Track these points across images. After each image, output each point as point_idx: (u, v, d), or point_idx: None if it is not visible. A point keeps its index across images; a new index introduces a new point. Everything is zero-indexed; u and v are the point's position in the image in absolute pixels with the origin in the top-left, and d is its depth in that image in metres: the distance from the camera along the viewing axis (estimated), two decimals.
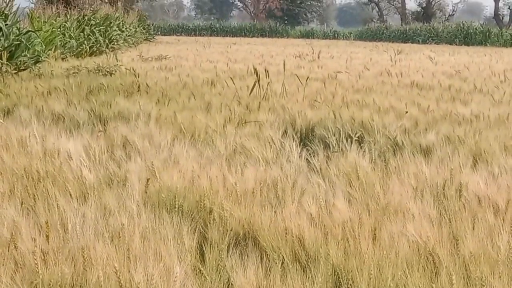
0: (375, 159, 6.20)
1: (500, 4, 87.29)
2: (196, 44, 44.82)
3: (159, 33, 71.16)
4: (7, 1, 16.79)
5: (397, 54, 29.12)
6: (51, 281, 3.29)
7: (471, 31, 69.72)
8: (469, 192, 5.10)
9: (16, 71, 15.28)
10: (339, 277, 3.54)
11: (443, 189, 5.24)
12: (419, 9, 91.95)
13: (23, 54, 16.86)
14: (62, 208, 4.35)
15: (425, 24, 78.73)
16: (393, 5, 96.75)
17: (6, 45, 15.36)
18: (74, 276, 3.32)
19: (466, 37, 68.18)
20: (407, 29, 77.82)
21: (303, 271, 3.61)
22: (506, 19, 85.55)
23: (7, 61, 15.03)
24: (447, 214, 4.60)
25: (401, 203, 4.74)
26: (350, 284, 3.43)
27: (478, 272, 3.56)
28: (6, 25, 15.62)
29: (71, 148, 6.11)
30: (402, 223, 4.15)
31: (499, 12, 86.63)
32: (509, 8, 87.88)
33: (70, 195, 4.87)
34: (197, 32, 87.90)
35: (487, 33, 68.27)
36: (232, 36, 78.78)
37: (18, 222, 4.00)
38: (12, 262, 3.56)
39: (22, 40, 16.95)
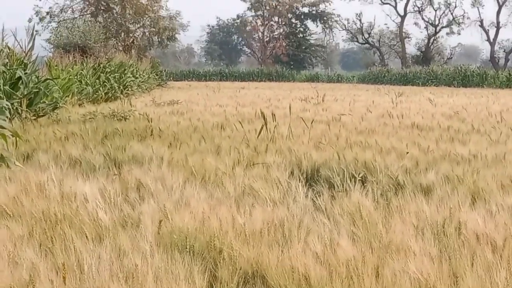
0: (377, 199, 6.19)
1: (496, 47, 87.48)
2: (207, 89, 44.91)
3: (171, 78, 71.35)
4: (26, 51, 16.87)
5: (398, 97, 29.18)
6: None
7: (469, 73, 69.83)
8: (468, 230, 5.08)
9: (35, 117, 15.33)
10: None
11: (443, 227, 5.23)
12: (418, 53, 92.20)
13: (41, 101, 16.91)
14: (79, 250, 4.34)
15: (425, 67, 78.87)
16: (394, 49, 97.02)
17: (25, 93, 15.42)
18: None
19: (464, 79, 68.27)
20: (407, 72, 77.94)
21: None
22: (502, 61, 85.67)
23: (26, 108, 15.08)
24: (447, 251, 4.59)
25: (402, 241, 4.73)
26: None
27: None
28: (25, 73, 15.68)
29: (87, 191, 6.11)
30: (404, 261, 4.13)
31: (495, 55, 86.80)
32: (504, 51, 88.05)
33: (86, 236, 4.86)
34: (207, 78, 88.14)
35: (484, 75, 68.36)
36: (240, 81, 78.96)
37: (36, 264, 3.99)
38: None
39: (41, 87, 17.01)
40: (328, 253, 4.35)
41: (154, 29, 73.81)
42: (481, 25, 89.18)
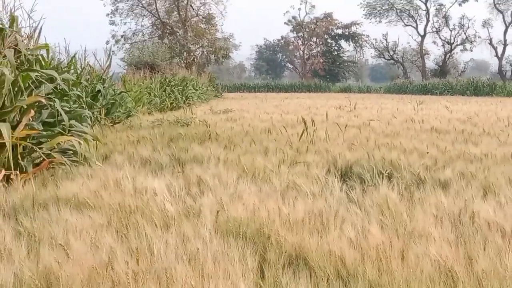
0: (402, 192, 6.15)
1: (503, 62, 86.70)
2: (256, 99, 44.96)
3: (225, 90, 71.49)
4: (104, 69, 17.01)
5: (419, 105, 28.95)
6: None
7: (480, 84, 69.26)
8: (481, 218, 5.04)
9: (112, 124, 15.45)
10: None
11: (459, 216, 5.19)
12: (436, 67, 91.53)
13: (117, 110, 17.04)
14: (149, 236, 4.36)
15: (442, 79, 78.34)
16: (415, 64, 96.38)
17: (104, 104, 15.54)
18: None
19: (475, 89, 67.70)
20: (427, 83, 77.41)
21: (345, 286, 3.58)
22: (509, 74, 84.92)
23: (104, 116, 15.19)
24: (463, 237, 4.54)
25: (424, 229, 4.70)
26: None
27: (490, 286, 3.51)
28: (104, 87, 15.80)
29: (156, 186, 6.13)
30: (425, 245, 4.10)
31: (502, 68, 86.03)
32: (510, 65, 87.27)
33: (156, 225, 4.88)
34: (256, 89, 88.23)
35: (493, 85, 67.79)
36: (284, 92, 78.88)
37: (114, 248, 4.01)
38: (109, 281, 3.58)
39: (117, 99, 17.14)
40: (360, 238, 4.33)
41: (211, 49, 73.93)
42: (490, 43, 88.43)
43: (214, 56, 74.84)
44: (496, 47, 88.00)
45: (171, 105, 28.61)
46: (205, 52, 74.00)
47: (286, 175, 7.38)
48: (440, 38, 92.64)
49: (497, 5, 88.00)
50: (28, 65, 8.32)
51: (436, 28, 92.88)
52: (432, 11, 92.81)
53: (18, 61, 8.06)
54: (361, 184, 6.84)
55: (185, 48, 70.53)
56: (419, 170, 7.87)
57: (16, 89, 7.74)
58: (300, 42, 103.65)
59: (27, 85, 7.91)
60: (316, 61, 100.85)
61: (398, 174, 7.62)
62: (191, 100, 34.90)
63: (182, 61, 65.09)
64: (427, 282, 3.45)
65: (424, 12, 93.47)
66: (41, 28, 8.77)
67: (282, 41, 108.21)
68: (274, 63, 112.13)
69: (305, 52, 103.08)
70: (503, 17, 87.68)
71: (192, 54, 71.23)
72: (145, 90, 24.74)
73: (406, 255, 3.95)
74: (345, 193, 6.31)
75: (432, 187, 6.47)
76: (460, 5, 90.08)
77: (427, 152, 9.72)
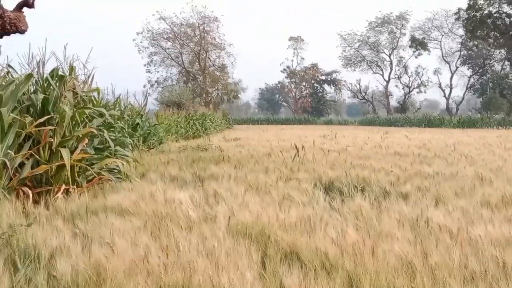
0: (372, 202, 6.15)
1: (450, 101, 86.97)
2: (259, 130, 45.01)
3: (235, 123, 71.42)
4: (142, 106, 17.07)
5: (384, 134, 28.99)
6: (170, 283, 3.29)
7: (432, 118, 69.30)
8: (433, 222, 5.03)
9: (147, 149, 15.48)
10: (351, 279, 3.49)
11: (417, 221, 5.18)
12: (398, 105, 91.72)
13: (152, 139, 17.07)
14: (176, 236, 4.35)
15: (402, 114, 78.53)
16: (382, 102, 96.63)
17: (141, 133, 15.58)
18: (184, 280, 3.31)
19: (428, 122, 67.67)
20: (391, 118, 77.53)
21: (328, 275, 3.57)
22: (454, 110, 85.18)
23: (142, 143, 15.24)
24: (420, 237, 4.53)
25: (389, 230, 4.69)
26: (358, 284, 3.38)
27: (441, 275, 3.50)
28: (141, 121, 15.86)
29: (182, 197, 6.13)
30: (390, 243, 4.10)
31: (449, 106, 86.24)
32: (455, 103, 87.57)
33: (181, 227, 4.88)
34: (259, 122, 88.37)
35: (442, 119, 67.79)
36: (281, 124, 78.87)
37: (149, 245, 4.01)
38: (145, 271, 3.57)
39: (151, 130, 17.18)
40: (340, 238, 4.33)
41: (224, 91, 74.23)
42: (440, 87, 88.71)
43: (227, 97, 75.17)
44: (444, 89, 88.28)
45: (193, 135, 28.69)
46: (220, 94, 74.28)
47: (282, 188, 7.38)
48: (400, 82, 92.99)
49: (444, 57, 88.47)
50: (83, 104, 8.35)
51: (398, 75, 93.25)
52: (394, 62, 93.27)
53: (76, 100, 8.09)
54: (340, 195, 6.86)
55: (204, 91, 70.83)
56: (385, 185, 7.87)
57: (74, 122, 7.76)
58: (293, 86, 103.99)
59: (82, 119, 7.93)
60: (305, 100, 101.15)
61: (369, 188, 7.61)
62: (208, 130, 35.00)
63: (202, 101, 65.29)
64: (392, 272, 3.44)
65: (388, 63, 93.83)
66: (93, 75, 8.81)
67: (279, 85, 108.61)
68: (272, 102, 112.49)
69: (297, 93, 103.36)
70: (449, 67, 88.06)
71: (209, 95, 71.51)
72: (173, 123, 24.80)
73: (375, 251, 3.95)
74: (328, 202, 6.32)
75: (395, 198, 6.49)
76: (416, 57, 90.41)
77: (391, 171, 9.72)
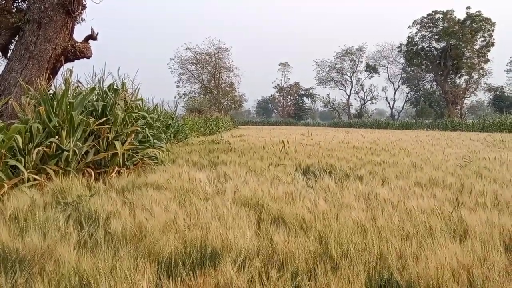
0: (337, 181, 6.15)
1: (393, 110, 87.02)
2: (256, 129, 44.95)
3: (239, 124, 71.13)
4: (173, 111, 17.04)
5: (346, 133, 28.97)
6: (191, 239, 3.30)
7: (380, 122, 69.28)
8: (380, 197, 5.04)
9: (176, 142, 15.46)
10: (321, 236, 3.50)
11: (368, 195, 5.18)
12: (356, 112, 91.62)
13: (180, 135, 17.05)
14: (196, 205, 4.36)
15: (359, 119, 78.46)
16: (345, 110, 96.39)
17: (172, 131, 15.56)
18: (202, 236, 3.32)
19: (378, 125, 67.57)
20: (351, 121, 77.33)
21: (305, 233, 3.57)
22: (396, 117, 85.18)
23: (173, 138, 15.23)
24: (370, 207, 4.54)
25: (349, 202, 4.70)
26: (326, 240, 3.39)
27: (385, 235, 3.51)
28: (173, 122, 15.84)
29: (201, 177, 6.14)
30: (349, 211, 4.10)
31: (393, 114, 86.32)
32: (397, 111, 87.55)
33: (200, 198, 4.88)
34: (257, 124, 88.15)
35: (388, 123, 67.71)
36: (272, 126, 78.63)
37: (177, 211, 4.02)
38: (174, 230, 3.58)
39: (179, 128, 17.15)
40: (313, 207, 4.34)
41: (232, 101, 74.01)
42: (386, 99, 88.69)
43: (234, 105, 74.91)
44: (389, 101, 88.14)
45: (209, 132, 28.63)
46: (229, 103, 74.01)
47: (273, 171, 7.37)
48: (358, 96, 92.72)
49: (390, 79, 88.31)
50: (131, 109, 8.34)
51: (356, 91, 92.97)
52: (354, 81, 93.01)
53: (126, 107, 8.09)
54: (314, 177, 6.85)
55: (218, 101, 70.58)
56: (346, 169, 7.86)
57: (124, 122, 7.75)
58: (281, 98, 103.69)
59: (130, 120, 7.92)
60: (290, 108, 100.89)
61: (335, 172, 7.61)
62: (220, 129, 34.91)
63: (216, 108, 65.05)
64: (351, 231, 3.45)
65: (350, 82, 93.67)
66: (138, 89, 8.81)
67: (271, 97, 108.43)
68: (266, 109, 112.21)
69: (284, 103, 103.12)
70: (393, 85, 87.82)
71: (221, 104, 71.29)
72: (195, 123, 24.75)
73: (339, 217, 3.96)
74: (305, 182, 6.31)
75: (353, 179, 6.48)
76: (369, 78, 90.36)
77: (351, 159, 9.71)
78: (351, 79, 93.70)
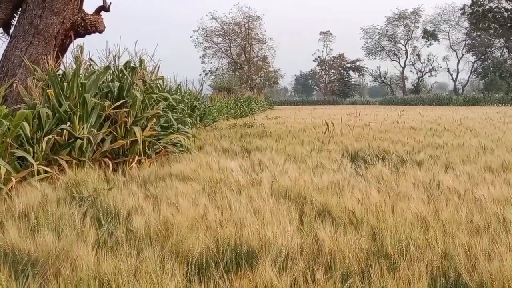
0: (391, 168, 6.10)
1: (457, 83, 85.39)
2: (294, 110, 44.84)
3: (275, 104, 70.98)
4: (199, 91, 17.13)
5: (401, 112, 28.60)
6: (224, 236, 3.32)
7: (441, 98, 68.11)
8: (444, 185, 4.97)
9: (203, 127, 15.57)
10: (374, 232, 3.47)
11: (429, 184, 5.12)
12: (412, 87, 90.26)
13: (207, 118, 17.17)
14: (229, 197, 4.38)
15: (416, 95, 77.30)
16: (398, 85, 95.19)
17: (198, 114, 15.67)
18: (236, 233, 3.34)
19: (438, 101, 66.45)
20: (406, 98, 76.29)
21: (355, 229, 3.55)
22: (460, 91, 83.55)
23: (199, 122, 15.33)
24: (432, 197, 4.48)
25: (406, 192, 4.65)
26: (380, 236, 3.36)
27: (450, 229, 3.46)
28: (198, 103, 15.94)
29: (232, 166, 6.17)
30: (407, 203, 4.06)
31: (456, 88, 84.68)
32: (461, 85, 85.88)
33: (233, 190, 4.90)
34: (295, 103, 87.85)
35: (450, 99, 66.54)
36: (313, 105, 78.28)
37: (207, 205, 4.05)
38: (204, 226, 3.61)
39: (206, 111, 17.27)
40: (364, 198, 4.31)
41: (266, 78, 74.00)
42: (448, 71, 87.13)
43: (268, 83, 74.94)
44: (452, 73, 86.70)
45: (241, 114, 28.71)
46: (262, 80, 74.05)
47: (315, 158, 7.37)
48: (414, 68, 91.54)
49: (452, 46, 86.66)
50: (151, 90, 8.42)
51: (412, 62, 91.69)
52: (409, 50, 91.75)
53: (145, 87, 8.17)
54: (364, 163, 6.82)
55: (249, 78, 70.77)
56: (402, 154, 7.78)
57: (144, 105, 7.84)
58: (323, 73, 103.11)
59: (150, 102, 8.01)
60: (333, 84, 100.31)
61: (389, 157, 7.54)
62: (253, 111, 34.96)
63: (247, 86, 65.23)
64: (409, 226, 3.41)
65: (404, 52, 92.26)
66: (159, 66, 8.88)
67: (311, 72, 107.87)
68: (306, 86, 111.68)
69: (326, 79, 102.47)
70: (456, 54, 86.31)
71: (253, 81, 71.43)
72: (224, 105, 24.88)
73: (395, 209, 3.92)
74: (354, 169, 6.29)
75: (411, 165, 6.41)
76: (427, 46, 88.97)
77: (407, 142, 9.61)
78: (405, 48, 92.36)
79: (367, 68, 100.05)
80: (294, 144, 9.39)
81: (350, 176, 5.60)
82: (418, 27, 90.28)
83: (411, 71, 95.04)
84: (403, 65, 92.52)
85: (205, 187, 5.08)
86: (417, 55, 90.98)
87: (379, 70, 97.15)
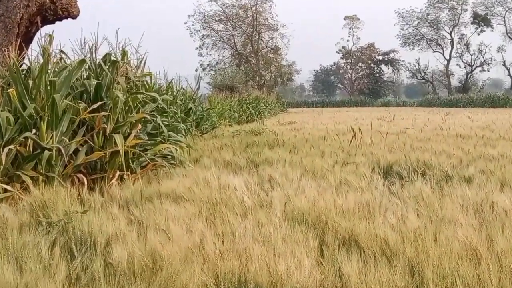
0: (433, 186, 6.09)
1: None
2: (313, 113, 44.85)
3: (289, 106, 70.98)
4: (194, 91, 17.18)
5: (445, 115, 28.55)
6: (226, 271, 3.32)
7: (496, 98, 67.91)
8: (499, 207, 4.95)
9: (200, 134, 15.58)
10: (413, 267, 3.46)
11: (481, 205, 5.10)
12: (459, 85, 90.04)
13: (204, 123, 17.19)
14: (232, 222, 4.39)
15: (464, 94, 77.11)
16: (442, 82, 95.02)
17: (194, 118, 15.70)
18: (240, 267, 3.34)
19: (492, 102, 66.29)
20: (452, 98, 76.11)
21: (389, 262, 3.54)
22: None
23: (195, 128, 15.35)
24: (484, 222, 4.46)
25: (452, 215, 4.64)
26: (420, 271, 3.35)
27: (507, 262, 3.44)
28: (194, 105, 15.96)
29: (236, 183, 6.17)
30: (453, 229, 4.05)
31: None
32: None
33: (236, 213, 4.90)
34: (314, 105, 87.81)
35: (506, 99, 66.37)
36: (336, 107, 78.28)
37: (204, 232, 4.06)
38: (201, 258, 3.61)
39: (204, 114, 17.30)
40: (400, 224, 4.30)
41: (278, 74, 74.14)
42: (504, 64, 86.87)
43: (280, 79, 75.07)
44: (509, 67, 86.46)
45: (246, 119, 28.77)
46: (273, 76, 74.21)
47: (339, 173, 7.36)
48: (462, 61, 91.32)
49: (509, 34, 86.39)
50: (136, 89, 8.45)
51: (459, 53, 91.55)
52: (455, 39, 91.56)
53: (128, 86, 8.20)
54: (399, 180, 6.81)
55: (257, 73, 70.95)
56: (447, 168, 7.76)
57: (127, 108, 7.87)
58: (348, 67, 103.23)
59: (135, 104, 8.03)
60: (361, 81, 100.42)
61: (430, 172, 7.52)
62: (262, 114, 35.02)
63: (255, 84, 65.44)
64: (456, 259, 3.40)
65: (449, 41, 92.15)
66: (145, 60, 8.90)
67: (334, 66, 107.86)
68: (328, 84, 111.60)
69: (353, 74, 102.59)
70: None
71: (263, 78, 71.60)
72: (226, 107, 24.92)
73: (438, 237, 3.91)
74: (387, 187, 6.27)
75: (458, 182, 6.38)
76: (478, 34, 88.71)
77: (453, 154, 9.58)
78: (450, 36, 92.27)
79: (403, 61, 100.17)
80: (312, 156, 9.38)
81: (382, 196, 5.59)
82: (466, 10, 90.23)
83: (457, 64, 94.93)
84: (447, 57, 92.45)
85: (202, 210, 5.08)
86: (465, 45, 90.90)
87: (418, 63, 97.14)
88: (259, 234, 4.12)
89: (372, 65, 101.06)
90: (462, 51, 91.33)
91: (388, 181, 6.80)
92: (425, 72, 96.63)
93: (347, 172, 7.50)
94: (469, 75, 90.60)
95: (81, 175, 6.81)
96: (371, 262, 3.47)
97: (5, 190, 5.71)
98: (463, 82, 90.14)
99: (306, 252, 3.67)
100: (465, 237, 3.85)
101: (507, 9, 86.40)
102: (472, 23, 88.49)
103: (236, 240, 3.96)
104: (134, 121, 7.83)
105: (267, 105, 41.39)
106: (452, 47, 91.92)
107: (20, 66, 7.16)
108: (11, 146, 6.06)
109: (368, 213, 4.87)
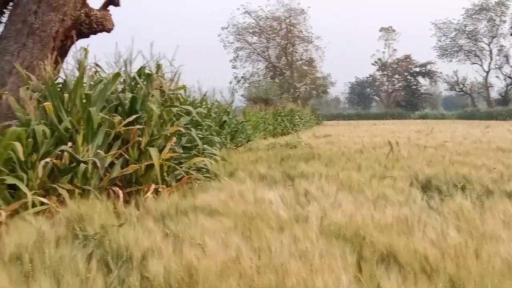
0: (474, 201, 6.01)
1: None
2: (349, 126, 44.65)
3: (324, 119, 70.79)
4: (229, 103, 17.24)
5: (485, 128, 28.24)
6: (262, 286, 3.32)
7: None
8: None
9: (235, 147, 15.60)
10: (454, 284, 3.43)
11: None
12: (500, 97, 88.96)
13: (239, 136, 17.22)
14: (267, 237, 4.38)
15: (505, 107, 76.17)
16: (481, 95, 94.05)
17: (229, 131, 15.75)
18: (277, 282, 3.33)
19: None
20: (492, 111, 75.21)
21: (429, 279, 3.51)
22: None
23: (229, 141, 15.38)
24: None
25: (494, 231, 4.58)
26: None
27: None
28: (228, 118, 16.03)
29: (271, 197, 6.16)
30: (496, 245, 3.99)
31: None
32: None
33: (272, 228, 4.89)
34: (349, 118, 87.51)
35: None
36: (372, 120, 77.86)
37: (240, 246, 4.05)
38: (237, 273, 3.61)
39: (239, 127, 17.33)
40: (440, 239, 4.25)
41: (313, 86, 74.14)
42: None
43: (315, 92, 75.02)
44: None
45: (281, 131, 28.75)
46: (308, 89, 74.25)
47: (376, 187, 7.30)
48: (502, 73, 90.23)
49: None
50: (170, 102, 8.51)
51: (498, 65, 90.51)
52: (494, 51, 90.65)
53: (163, 99, 8.25)
54: (439, 194, 6.74)
55: (292, 86, 71.03)
56: (488, 182, 7.66)
57: (161, 121, 7.92)
58: (384, 79, 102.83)
59: (169, 118, 8.09)
60: (398, 93, 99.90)
61: (470, 186, 7.43)
62: (297, 127, 35.01)
63: (289, 96, 65.38)
64: (499, 276, 3.35)
65: (488, 52, 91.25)
66: (180, 73, 8.96)
67: (370, 78, 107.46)
68: (363, 96, 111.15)
69: (389, 86, 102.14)
70: None
71: (297, 90, 71.63)
72: (261, 119, 24.95)
73: (479, 254, 3.85)
74: (425, 202, 6.22)
75: (499, 197, 6.30)
76: None
77: (494, 168, 9.46)
78: (489, 48, 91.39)
79: (441, 73, 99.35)
80: (348, 170, 9.33)
81: (421, 211, 5.53)
82: (505, 21, 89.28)
83: (497, 76, 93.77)
84: (486, 69, 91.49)
85: (238, 224, 5.08)
86: (504, 56, 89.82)
87: (456, 75, 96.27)
88: (296, 249, 4.11)
89: (408, 77, 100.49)
90: (502, 62, 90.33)
91: (427, 195, 6.74)
92: (463, 84, 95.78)
93: (385, 186, 7.45)
94: (509, 87, 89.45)
95: (117, 188, 6.85)
96: (411, 278, 3.44)
97: (42, 203, 5.76)
98: (503, 94, 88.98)
99: (344, 268, 3.65)
100: (508, 254, 3.80)
101: None
102: (511, 34, 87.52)
103: (272, 255, 3.95)
104: (169, 134, 7.88)
105: (302, 117, 41.38)
106: (491, 59, 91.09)
107: (56, 80, 7.23)
108: (48, 159, 6.11)
109: (406, 228, 4.82)
